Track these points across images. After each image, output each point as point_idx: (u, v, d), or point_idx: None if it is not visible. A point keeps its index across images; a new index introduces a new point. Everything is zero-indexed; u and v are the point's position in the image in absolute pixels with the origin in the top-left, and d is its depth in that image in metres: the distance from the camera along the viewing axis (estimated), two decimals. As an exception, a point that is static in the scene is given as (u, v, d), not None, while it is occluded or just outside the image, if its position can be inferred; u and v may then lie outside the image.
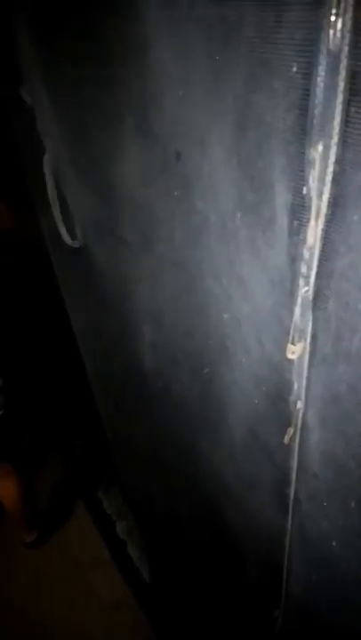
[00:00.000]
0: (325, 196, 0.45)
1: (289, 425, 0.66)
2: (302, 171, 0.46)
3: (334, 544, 0.65)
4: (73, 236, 0.95)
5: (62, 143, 0.84)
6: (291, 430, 0.67)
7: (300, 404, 0.62)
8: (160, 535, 1.48)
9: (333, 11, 0.36)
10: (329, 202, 0.45)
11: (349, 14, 0.36)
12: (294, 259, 0.52)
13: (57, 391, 2.32)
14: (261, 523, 0.87)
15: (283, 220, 0.51)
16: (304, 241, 0.49)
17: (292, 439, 0.68)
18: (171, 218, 0.72)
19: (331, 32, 0.37)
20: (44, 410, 2.29)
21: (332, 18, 0.36)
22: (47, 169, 0.89)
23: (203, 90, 0.55)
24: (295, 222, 0.49)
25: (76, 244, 0.95)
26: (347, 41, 0.37)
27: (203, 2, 0.49)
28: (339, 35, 0.37)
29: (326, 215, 0.46)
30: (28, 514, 2.03)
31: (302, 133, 0.44)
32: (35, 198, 1.14)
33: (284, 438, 0.69)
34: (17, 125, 0.98)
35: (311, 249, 0.49)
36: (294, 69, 0.42)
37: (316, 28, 0.38)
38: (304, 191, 0.46)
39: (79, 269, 1.10)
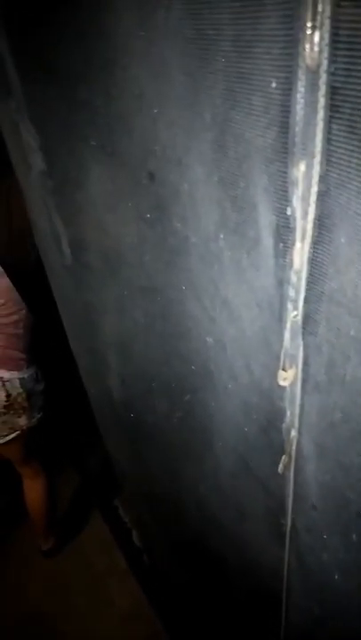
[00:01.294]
0: (310, 217, 0.43)
1: (282, 453, 0.63)
2: (285, 191, 0.43)
3: (336, 577, 0.62)
4: (63, 255, 0.92)
5: (43, 161, 0.82)
6: (285, 459, 0.63)
7: (293, 433, 0.59)
8: (162, 558, 1.43)
9: (309, 24, 0.34)
10: (314, 223, 0.43)
11: (327, 27, 0.34)
12: (281, 282, 0.49)
13: (71, 397, 2.29)
14: (257, 553, 0.83)
15: (268, 242, 0.49)
16: (291, 264, 0.47)
17: (286, 468, 0.64)
18: (142, 242, 0.70)
19: (307, 46, 0.35)
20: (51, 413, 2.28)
21: (309, 31, 0.34)
22: (35, 185, 0.87)
23: (180, 107, 0.52)
24: (280, 244, 0.47)
25: (67, 262, 0.93)
26: (325, 55, 0.35)
27: (179, 16, 0.47)
28: (316, 49, 0.35)
29: (312, 237, 0.44)
30: (49, 518, 2.02)
31: (284, 152, 0.42)
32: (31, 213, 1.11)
33: (278, 467, 0.65)
34: (8, 139, 0.96)
35: (298, 272, 0.46)
36: (273, 85, 0.40)
37: (294, 42, 0.36)
38: (288, 212, 0.44)
39: (70, 288, 1.07)
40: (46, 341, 1.71)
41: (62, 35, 0.64)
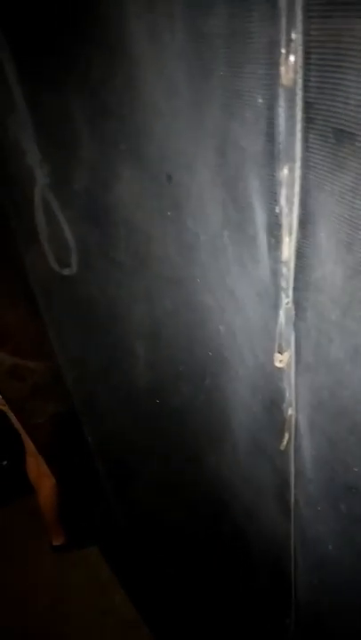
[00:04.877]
0: (295, 214, 0.48)
1: (284, 431, 0.69)
2: (274, 191, 0.49)
3: (330, 547, 0.67)
4: (63, 265, 1.00)
5: (56, 173, 0.90)
6: (286, 437, 0.69)
7: (291, 411, 0.65)
8: (168, 553, 1.49)
9: (284, 50, 0.40)
10: (299, 219, 0.48)
11: (300, 52, 0.40)
12: (275, 273, 0.55)
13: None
14: (268, 529, 0.89)
15: (263, 237, 0.55)
16: (281, 256, 0.52)
17: (288, 445, 0.70)
18: (165, 237, 0.77)
19: (284, 68, 0.41)
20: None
21: (284, 56, 0.40)
22: (37, 201, 0.94)
23: (187, 117, 0.59)
24: (272, 239, 0.53)
25: (67, 272, 1.00)
26: (300, 75, 0.41)
27: (182, 40, 0.53)
28: (292, 70, 0.41)
29: (298, 232, 0.49)
30: (61, 508, 2.08)
31: (271, 157, 0.47)
32: (19, 231, 1.20)
33: (280, 445, 0.71)
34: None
35: (287, 263, 0.52)
36: (260, 101, 0.46)
37: (274, 65, 0.42)
38: (277, 210, 0.50)
39: (69, 297, 1.15)
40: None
41: (90, 52, 0.72)
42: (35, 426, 1.80)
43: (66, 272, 1.08)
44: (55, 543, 2.20)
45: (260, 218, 0.54)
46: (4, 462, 2.44)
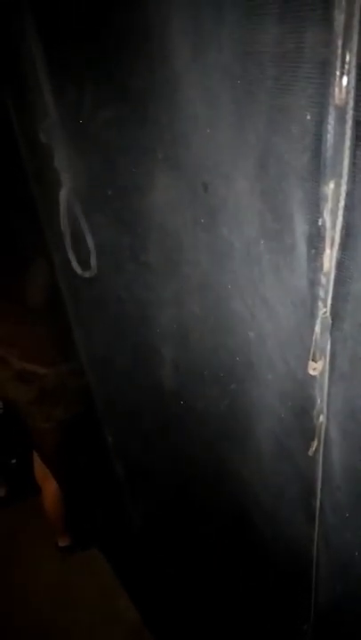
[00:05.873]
0: (338, 228, 0.50)
1: (313, 438, 0.70)
2: (317, 205, 0.50)
3: (356, 554, 0.68)
4: (85, 267, 1.02)
5: (85, 178, 0.92)
6: (315, 443, 0.70)
7: (322, 418, 0.66)
8: (184, 555, 1.50)
9: (338, 72, 0.41)
10: (342, 232, 0.50)
11: (353, 74, 0.41)
12: (313, 283, 0.56)
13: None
14: (290, 534, 0.90)
15: (302, 248, 0.56)
16: (321, 267, 0.54)
17: (316, 452, 0.71)
18: (197, 244, 0.78)
19: (337, 88, 0.42)
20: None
21: (338, 77, 0.42)
22: (62, 204, 0.96)
23: (228, 129, 0.61)
24: (312, 250, 0.54)
25: (87, 275, 1.02)
26: (352, 95, 0.42)
27: (229, 57, 0.55)
28: (344, 90, 0.42)
29: (340, 244, 0.51)
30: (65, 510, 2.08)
31: (316, 172, 0.49)
32: (48, 234, 1.22)
33: (308, 451, 0.72)
34: (30, 163, 1.07)
35: (327, 274, 0.53)
36: (308, 117, 0.47)
37: (326, 84, 0.43)
38: (320, 222, 0.51)
39: (92, 298, 1.17)
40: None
41: (130, 61, 0.74)
42: (39, 430, 1.81)
43: (87, 275, 1.09)
44: (61, 544, 2.21)
45: (300, 229, 0.55)
46: (13, 461, 2.45)
